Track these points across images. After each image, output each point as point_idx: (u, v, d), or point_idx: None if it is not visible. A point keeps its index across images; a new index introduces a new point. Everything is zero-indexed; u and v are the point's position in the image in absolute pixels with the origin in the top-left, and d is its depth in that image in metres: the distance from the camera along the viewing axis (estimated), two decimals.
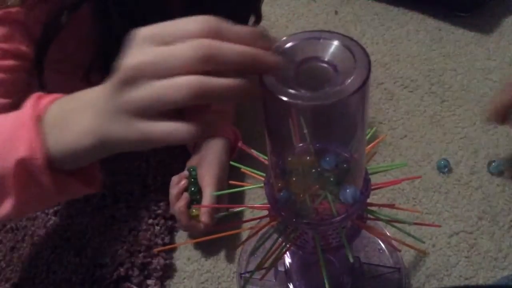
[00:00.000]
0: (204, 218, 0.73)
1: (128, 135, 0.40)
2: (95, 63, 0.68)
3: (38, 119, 0.46)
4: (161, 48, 0.38)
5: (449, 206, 0.79)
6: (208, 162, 0.78)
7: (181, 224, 0.76)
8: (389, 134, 0.90)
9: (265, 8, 1.15)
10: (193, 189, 0.76)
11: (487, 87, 0.96)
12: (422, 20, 1.11)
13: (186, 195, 0.76)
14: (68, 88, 0.50)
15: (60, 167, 0.46)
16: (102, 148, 0.43)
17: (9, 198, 0.48)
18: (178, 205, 0.74)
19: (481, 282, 0.71)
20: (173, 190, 0.76)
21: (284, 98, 0.39)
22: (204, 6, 0.76)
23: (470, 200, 0.80)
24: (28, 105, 0.47)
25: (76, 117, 0.44)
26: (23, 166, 0.46)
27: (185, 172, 0.78)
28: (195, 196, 0.76)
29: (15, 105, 0.51)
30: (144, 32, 0.39)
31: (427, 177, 0.83)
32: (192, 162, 0.80)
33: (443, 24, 1.10)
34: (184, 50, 0.37)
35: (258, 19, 0.88)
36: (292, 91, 0.39)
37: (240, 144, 0.64)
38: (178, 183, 0.77)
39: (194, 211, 0.74)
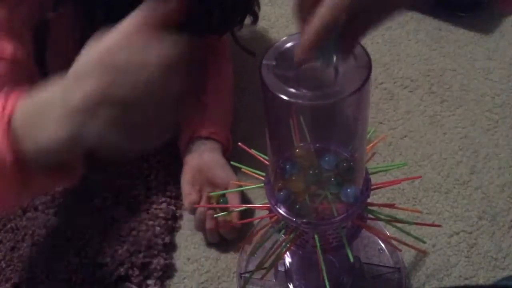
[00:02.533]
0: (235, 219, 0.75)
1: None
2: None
3: (8, 119, 0.47)
4: None
5: (449, 206, 0.79)
6: (219, 165, 0.79)
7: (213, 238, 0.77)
8: (389, 134, 0.90)
9: (265, 8, 1.15)
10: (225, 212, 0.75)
11: (487, 87, 0.96)
12: (422, 20, 1.11)
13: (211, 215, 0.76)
14: None
15: (34, 165, 0.47)
16: (76, 146, 0.45)
17: None
18: (209, 225, 0.75)
19: (481, 282, 0.71)
20: (201, 217, 0.76)
21: (285, 97, 0.39)
22: (201, 8, 0.76)
23: (470, 200, 0.80)
24: None
25: (48, 114, 0.45)
26: None
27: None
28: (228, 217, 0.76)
29: None
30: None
31: (427, 177, 0.83)
32: (190, 163, 0.80)
33: (443, 24, 1.10)
34: None
35: (255, 19, 0.88)
36: (292, 90, 0.40)
37: (239, 144, 0.65)
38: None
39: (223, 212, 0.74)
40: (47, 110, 0.45)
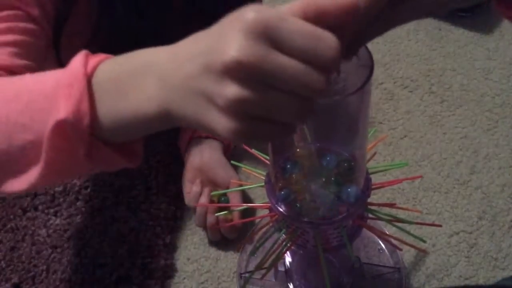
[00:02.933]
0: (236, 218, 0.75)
1: (201, 120, 0.37)
2: (93, 42, 0.67)
3: (88, 79, 0.41)
4: (275, 57, 0.34)
5: (449, 206, 0.80)
6: (220, 165, 0.79)
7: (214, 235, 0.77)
8: (389, 134, 0.90)
9: None
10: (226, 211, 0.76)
11: (487, 87, 0.96)
12: (422, 20, 1.11)
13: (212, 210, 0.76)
14: None
15: (104, 138, 0.42)
16: (161, 122, 0.40)
17: (37, 166, 0.44)
18: (210, 221, 0.75)
19: (481, 282, 0.71)
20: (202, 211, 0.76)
21: None
22: (204, 4, 0.76)
23: (470, 200, 0.80)
24: (77, 62, 0.42)
25: (137, 82, 0.40)
26: (62, 129, 0.41)
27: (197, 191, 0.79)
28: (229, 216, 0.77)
29: (33, 70, 0.51)
30: (255, 20, 0.34)
31: (427, 177, 0.83)
32: (191, 163, 0.81)
33: (443, 24, 1.10)
34: (299, 73, 0.34)
35: None
36: None
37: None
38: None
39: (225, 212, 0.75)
40: (139, 77, 0.40)
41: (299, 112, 0.35)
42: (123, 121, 0.41)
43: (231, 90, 0.34)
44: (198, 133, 0.82)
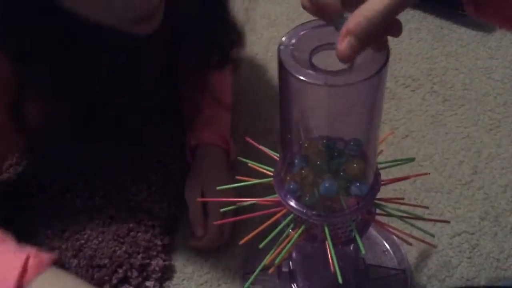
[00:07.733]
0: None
1: None
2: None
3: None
4: None
5: (451, 206, 0.82)
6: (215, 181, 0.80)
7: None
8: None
9: (265, 6, 1.17)
10: None
11: (489, 86, 0.99)
12: (424, 18, 1.14)
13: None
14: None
15: None
16: None
17: None
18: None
19: (483, 283, 0.73)
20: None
21: (302, 78, 0.42)
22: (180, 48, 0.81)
23: (472, 200, 0.82)
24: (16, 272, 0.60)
25: None
26: None
27: None
28: None
29: None
30: None
31: (429, 177, 0.85)
32: (194, 177, 0.84)
33: (445, 23, 1.12)
34: None
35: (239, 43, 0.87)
36: (310, 72, 0.42)
37: (246, 138, 0.67)
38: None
39: None
40: None
41: None
42: None
43: None
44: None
